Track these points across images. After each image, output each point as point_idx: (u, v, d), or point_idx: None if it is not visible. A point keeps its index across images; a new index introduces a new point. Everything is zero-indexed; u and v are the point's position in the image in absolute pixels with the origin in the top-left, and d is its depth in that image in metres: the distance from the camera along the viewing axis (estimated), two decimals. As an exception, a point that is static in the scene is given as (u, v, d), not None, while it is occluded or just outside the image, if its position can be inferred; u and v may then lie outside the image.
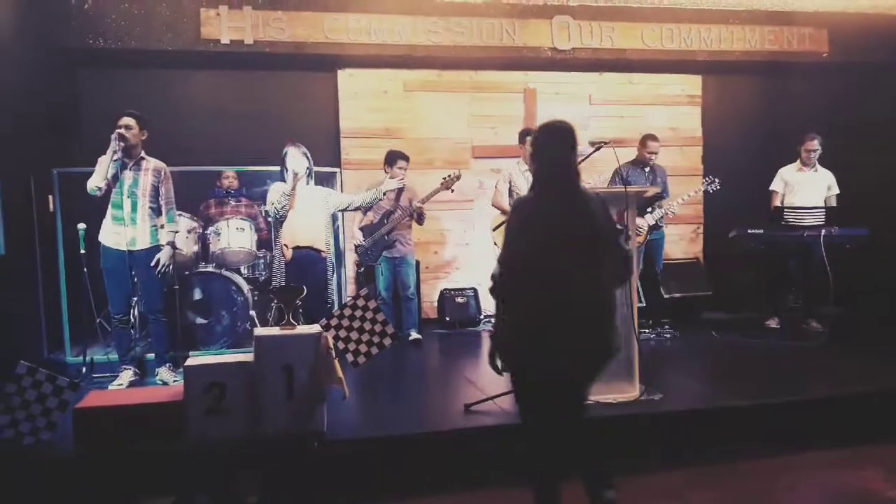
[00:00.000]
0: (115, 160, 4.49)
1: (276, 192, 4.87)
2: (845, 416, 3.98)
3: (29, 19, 5.38)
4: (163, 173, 4.72)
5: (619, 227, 3.15)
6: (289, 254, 4.86)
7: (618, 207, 4.11)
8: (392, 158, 5.86)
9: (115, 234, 4.57)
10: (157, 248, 4.66)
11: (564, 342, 2.58)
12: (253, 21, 6.33)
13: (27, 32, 5.33)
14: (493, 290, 2.72)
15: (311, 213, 4.93)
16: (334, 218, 5.40)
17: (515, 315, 2.65)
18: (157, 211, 4.70)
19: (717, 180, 6.21)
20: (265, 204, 5.27)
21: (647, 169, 6.10)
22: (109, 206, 4.59)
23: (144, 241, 4.62)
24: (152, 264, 4.62)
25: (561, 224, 2.63)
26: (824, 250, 5.45)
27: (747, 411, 3.95)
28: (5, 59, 4.96)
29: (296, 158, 4.89)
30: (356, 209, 5.54)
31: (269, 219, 5.43)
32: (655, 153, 6.06)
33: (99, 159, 4.53)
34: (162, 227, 4.71)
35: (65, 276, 5.29)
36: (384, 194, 5.34)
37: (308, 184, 5.01)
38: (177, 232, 4.83)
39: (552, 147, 2.75)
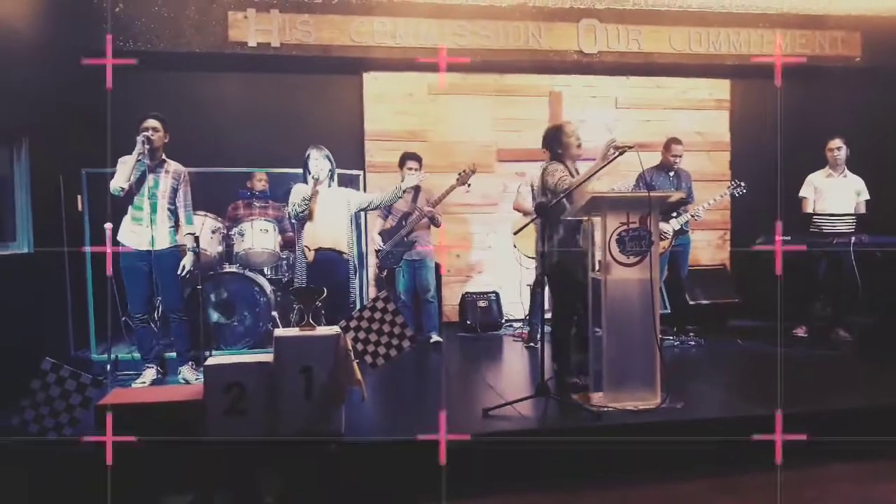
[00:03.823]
0: (139, 161, 4.54)
1: (297, 195, 4.87)
2: (872, 428, 3.88)
3: (61, 23, 5.47)
4: (182, 176, 4.77)
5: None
6: (311, 256, 4.86)
7: (641, 212, 4.07)
8: (402, 160, 5.94)
9: (134, 234, 4.62)
10: (175, 248, 4.72)
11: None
12: (280, 24, 6.40)
13: (59, 36, 5.41)
14: None
15: (333, 215, 4.92)
16: (354, 219, 5.40)
17: None
18: (174, 212, 4.75)
19: (742, 184, 6.10)
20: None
21: (671, 173, 6.02)
22: (130, 207, 4.64)
23: (163, 241, 4.66)
24: (178, 271, 4.69)
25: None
26: (854, 258, 5.34)
27: (771, 421, 3.86)
28: (38, 61, 5.05)
29: (318, 161, 4.88)
30: (376, 208, 5.51)
31: (292, 221, 5.45)
32: (679, 156, 6.00)
33: (120, 160, 4.57)
34: (179, 228, 4.76)
35: (91, 275, 5.36)
36: (403, 192, 5.28)
37: (330, 186, 5.02)
38: (194, 234, 4.86)
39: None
